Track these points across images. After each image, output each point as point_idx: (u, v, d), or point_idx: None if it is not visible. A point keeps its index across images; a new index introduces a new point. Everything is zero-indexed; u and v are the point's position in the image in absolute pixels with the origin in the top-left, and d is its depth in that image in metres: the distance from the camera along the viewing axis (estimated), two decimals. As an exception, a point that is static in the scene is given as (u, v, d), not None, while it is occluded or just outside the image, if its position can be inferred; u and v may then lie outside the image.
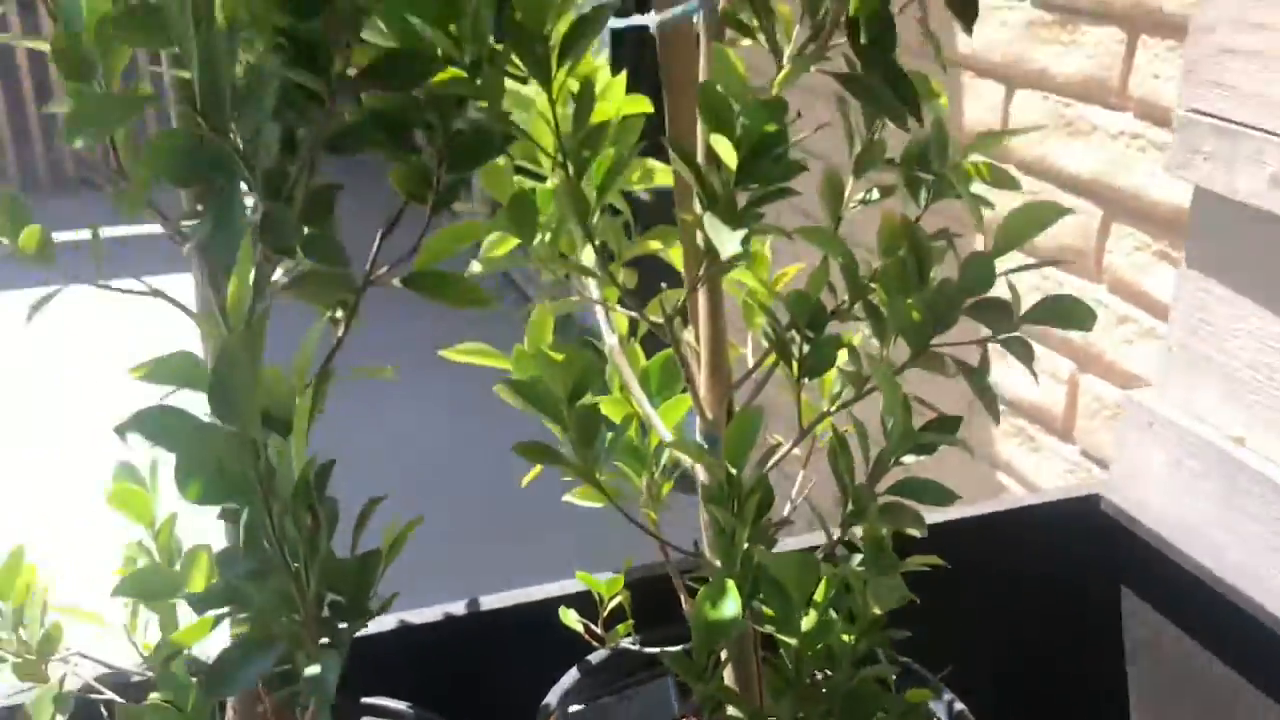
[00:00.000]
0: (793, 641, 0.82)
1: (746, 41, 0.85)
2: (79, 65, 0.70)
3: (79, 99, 0.63)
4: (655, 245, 1.01)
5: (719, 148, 0.73)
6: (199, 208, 0.73)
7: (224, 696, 0.76)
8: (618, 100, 0.96)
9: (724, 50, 0.74)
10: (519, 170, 0.97)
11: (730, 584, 0.82)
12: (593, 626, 1.04)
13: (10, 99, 6.04)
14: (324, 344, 0.82)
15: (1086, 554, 1.29)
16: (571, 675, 1.03)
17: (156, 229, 0.76)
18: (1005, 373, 1.92)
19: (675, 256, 0.99)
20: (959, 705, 1.04)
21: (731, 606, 0.80)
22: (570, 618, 1.04)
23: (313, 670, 0.70)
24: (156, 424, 0.65)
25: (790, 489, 1.02)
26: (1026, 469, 1.98)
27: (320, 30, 0.68)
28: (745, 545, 0.84)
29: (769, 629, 0.83)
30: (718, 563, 0.85)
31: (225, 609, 0.67)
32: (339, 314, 0.85)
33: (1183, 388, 1.29)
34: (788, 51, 0.78)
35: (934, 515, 1.27)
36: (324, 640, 0.75)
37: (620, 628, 1.03)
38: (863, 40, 0.68)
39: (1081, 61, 1.74)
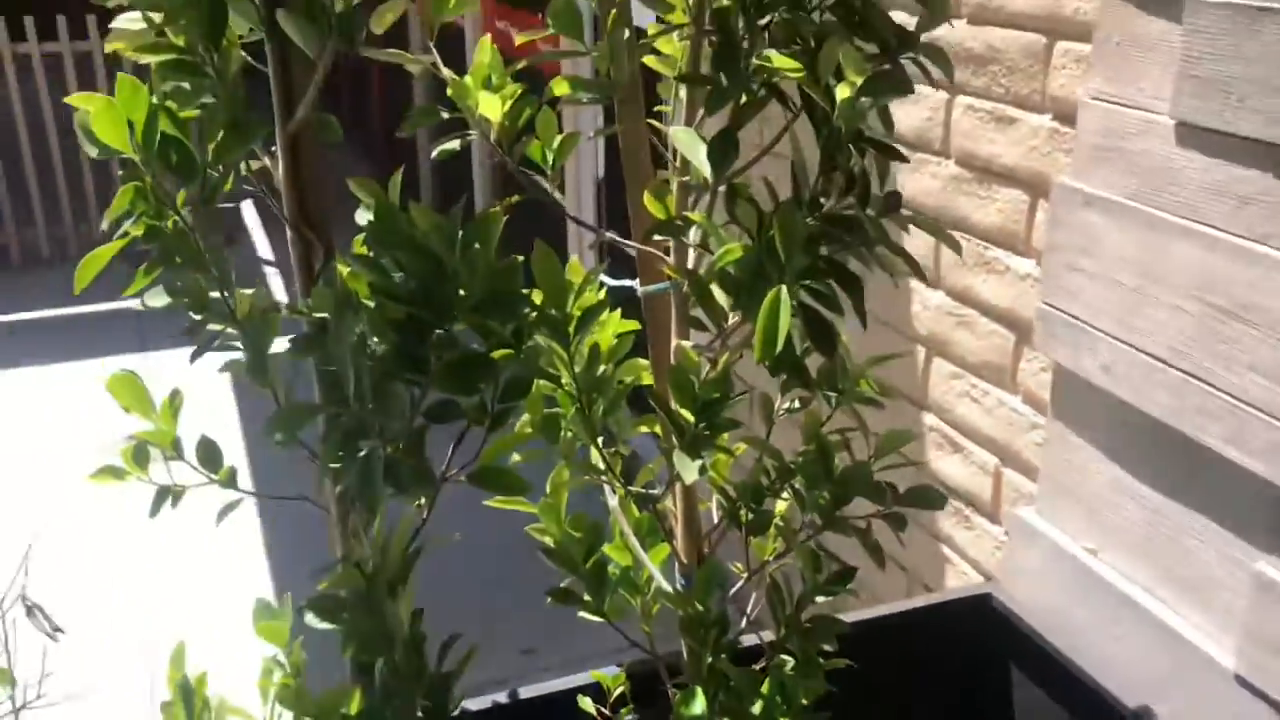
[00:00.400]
0: None
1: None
2: (260, 365, 1.09)
3: (279, 411, 1.02)
4: (644, 429, 1.39)
5: (682, 411, 1.11)
6: (340, 453, 1.11)
7: None
8: (615, 325, 1.35)
9: (683, 347, 1.13)
10: (543, 375, 1.35)
11: (699, 692, 1.20)
12: (604, 710, 1.42)
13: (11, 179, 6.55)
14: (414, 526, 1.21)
15: (981, 642, 1.66)
16: (588, 747, 1.42)
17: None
18: (944, 462, 2.29)
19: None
20: (871, 764, 1.42)
21: (699, 707, 1.18)
22: (587, 704, 1.42)
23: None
24: (325, 606, 1.03)
25: (743, 607, 1.41)
26: (964, 543, 2.36)
27: (425, 343, 1.07)
28: (710, 661, 1.22)
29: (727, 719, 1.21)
30: (690, 673, 1.23)
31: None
32: (422, 502, 1.24)
33: (1053, 509, 1.67)
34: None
35: (849, 615, 1.65)
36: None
37: (624, 711, 1.41)
38: (767, 367, 1.06)
39: (994, 215, 2.13)
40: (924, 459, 2.36)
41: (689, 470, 1.11)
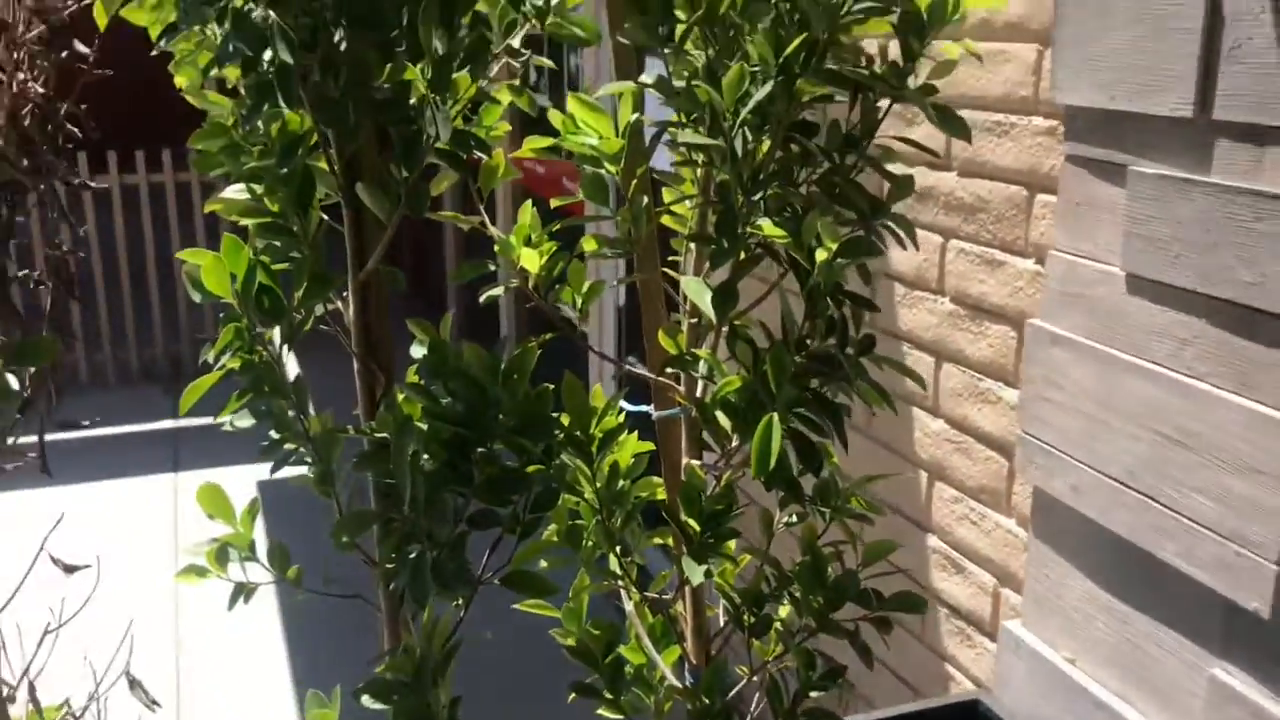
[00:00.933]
0: None
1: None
2: (325, 475, 1.27)
3: (329, 494, 1.20)
4: (658, 541, 1.56)
5: (690, 521, 1.28)
6: (393, 556, 1.28)
7: None
8: (632, 446, 1.52)
9: (692, 465, 1.30)
10: (571, 490, 1.53)
11: None
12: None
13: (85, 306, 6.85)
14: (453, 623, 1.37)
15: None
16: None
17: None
18: (946, 583, 2.43)
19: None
20: None
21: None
22: None
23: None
24: (381, 690, 1.19)
25: (747, 706, 1.55)
26: (967, 661, 2.47)
27: (469, 459, 1.25)
28: (713, 739, 1.37)
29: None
30: (697, 760, 1.38)
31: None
32: (460, 602, 1.40)
33: (1036, 621, 1.81)
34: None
35: (846, 718, 1.79)
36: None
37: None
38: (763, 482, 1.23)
39: (986, 349, 2.30)
40: (927, 579, 2.49)
41: (695, 573, 1.28)
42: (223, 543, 1.26)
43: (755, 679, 1.49)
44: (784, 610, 1.47)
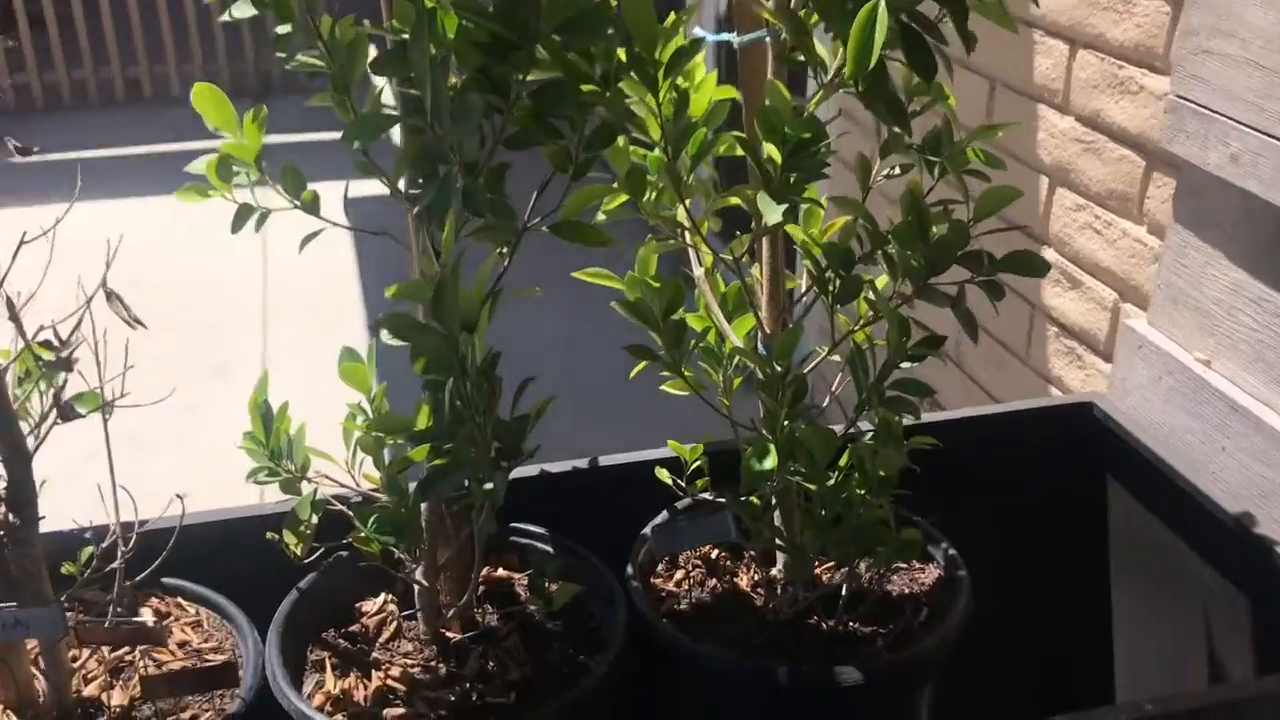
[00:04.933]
0: (816, 488, 1.18)
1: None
2: (344, 86, 1.07)
3: (350, 116, 1.01)
4: (734, 200, 1.35)
5: (769, 150, 1.07)
6: (419, 181, 1.10)
7: (433, 498, 1.14)
8: (709, 92, 1.30)
9: (775, 83, 1.07)
10: (634, 141, 1.32)
11: (771, 447, 1.18)
12: (679, 482, 1.41)
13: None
14: (495, 273, 1.20)
15: (1080, 450, 1.60)
16: (662, 515, 1.41)
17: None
18: (1059, 299, 2.21)
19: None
20: (952, 551, 1.39)
21: (769, 462, 1.16)
22: (663, 474, 1.41)
23: (488, 486, 1.09)
24: (398, 325, 1.03)
25: (830, 386, 1.37)
26: (1075, 383, 2.28)
27: (505, 69, 1.04)
28: (785, 422, 1.20)
29: (799, 481, 1.19)
30: (766, 435, 1.21)
31: (433, 443, 1.05)
32: (504, 250, 1.22)
33: (1166, 318, 1.58)
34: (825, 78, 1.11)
35: (944, 415, 1.61)
36: (494, 471, 1.13)
37: (699, 482, 1.40)
38: (860, 88, 1.00)
39: (1131, 30, 1.99)
40: (1037, 296, 2.28)
41: (773, 212, 1.07)
42: (224, 152, 1.08)
43: (836, 357, 1.31)
44: (881, 281, 1.27)
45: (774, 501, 1.31)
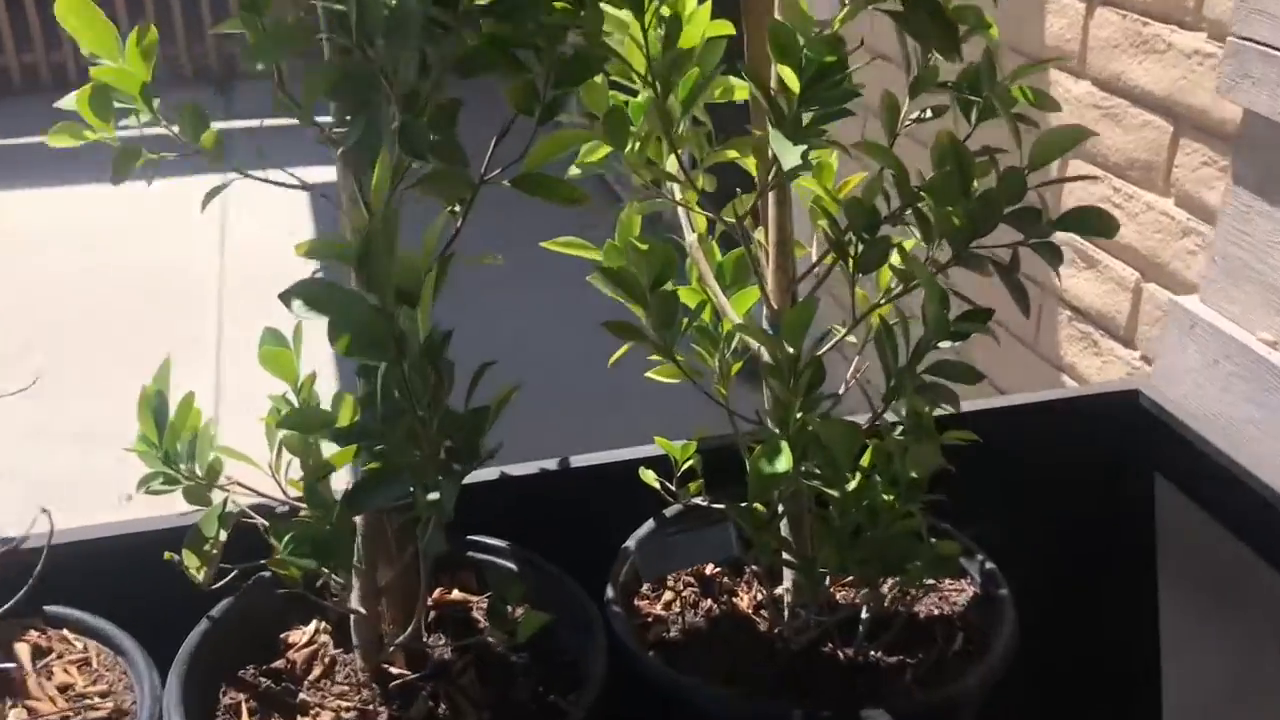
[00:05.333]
0: (836, 493, 0.97)
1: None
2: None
3: (256, 33, 0.78)
4: (733, 154, 1.14)
5: (785, 75, 0.85)
6: (347, 118, 0.88)
7: (361, 512, 0.92)
8: (703, 24, 1.08)
9: (791, -7, 0.86)
10: (614, 86, 1.10)
11: (784, 445, 0.96)
12: (668, 485, 1.20)
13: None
14: (445, 235, 0.98)
15: (1125, 443, 1.40)
16: (648, 525, 1.20)
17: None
18: (1073, 281, 2.01)
19: (750, 164, 1.12)
20: (990, 565, 1.18)
21: (783, 463, 0.95)
22: (649, 476, 1.20)
23: (433, 496, 0.87)
24: (313, 293, 0.81)
25: (847, 372, 1.16)
26: (1089, 371, 2.08)
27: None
28: (799, 414, 0.98)
29: (816, 485, 0.98)
30: (776, 429, 0.99)
31: (363, 443, 0.83)
32: (458, 208, 1.00)
33: (1223, 294, 1.38)
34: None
35: (979, 403, 1.40)
36: (441, 476, 0.91)
37: (692, 485, 1.18)
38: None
39: (1160, -21, 1.80)
40: (1046, 277, 2.08)
41: (789, 154, 0.86)
42: (100, 81, 0.86)
43: (853, 338, 1.10)
44: (908, 244, 1.05)
45: (781, 509, 1.10)
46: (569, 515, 1.21)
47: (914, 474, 1.03)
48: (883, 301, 1.04)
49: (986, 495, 1.16)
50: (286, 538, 0.92)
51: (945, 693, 1.03)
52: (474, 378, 0.98)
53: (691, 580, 1.21)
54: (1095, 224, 0.96)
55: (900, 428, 1.02)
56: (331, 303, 0.80)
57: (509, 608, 1.07)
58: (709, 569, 1.22)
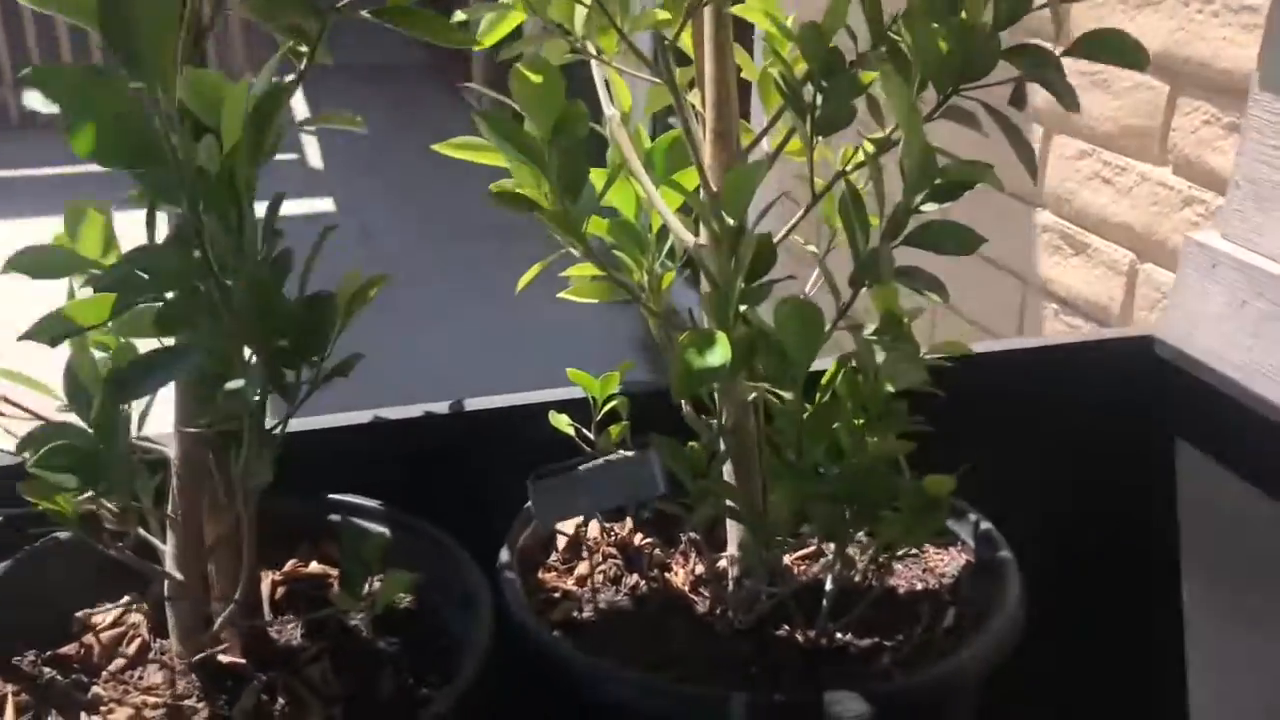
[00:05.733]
0: (789, 398, 0.73)
1: None
2: None
3: None
4: (663, 14, 0.91)
5: None
6: None
7: (130, 398, 0.68)
8: None
9: None
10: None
11: (720, 334, 0.73)
12: (585, 433, 0.96)
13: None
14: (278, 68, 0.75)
15: (1137, 396, 1.17)
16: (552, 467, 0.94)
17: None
18: (1059, 269, 1.81)
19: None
20: (985, 525, 0.94)
21: (718, 355, 0.71)
22: (561, 421, 0.96)
23: (234, 384, 0.62)
24: (46, 75, 0.57)
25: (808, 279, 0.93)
26: (1080, 368, 1.86)
27: None
28: (741, 306, 0.75)
29: (764, 387, 0.74)
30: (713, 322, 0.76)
31: (128, 295, 0.59)
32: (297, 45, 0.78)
33: (1249, 224, 1.17)
34: None
35: (978, 345, 1.17)
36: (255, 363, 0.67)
37: (613, 429, 0.94)
38: None
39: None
40: (1030, 269, 1.88)
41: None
42: None
43: (815, 248, 0.87)
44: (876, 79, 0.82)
45: (723, 446, 0.86)
46: (461, 471, 0.97)
47: (890, 388, 0.79)
48: (849, 171, 0.80)
49: (972, 454, 0.92)
50: (40, 449, 0.67)
51: (934, 673, 0.78)
52: (314, 248, 0.74)
53: (614, 552, 0.96)
54: (1121, 50, 0.74)
55: (872, 327, 0.79)
56: (69, 84, 0.55)
57: (369, 571, 0.81)
58: (636, 538, 0.98)
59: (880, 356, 0.79)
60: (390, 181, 4.85)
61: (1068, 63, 0.78)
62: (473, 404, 0.99)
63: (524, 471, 0.92)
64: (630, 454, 0.84)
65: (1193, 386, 1.14)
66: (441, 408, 0.99)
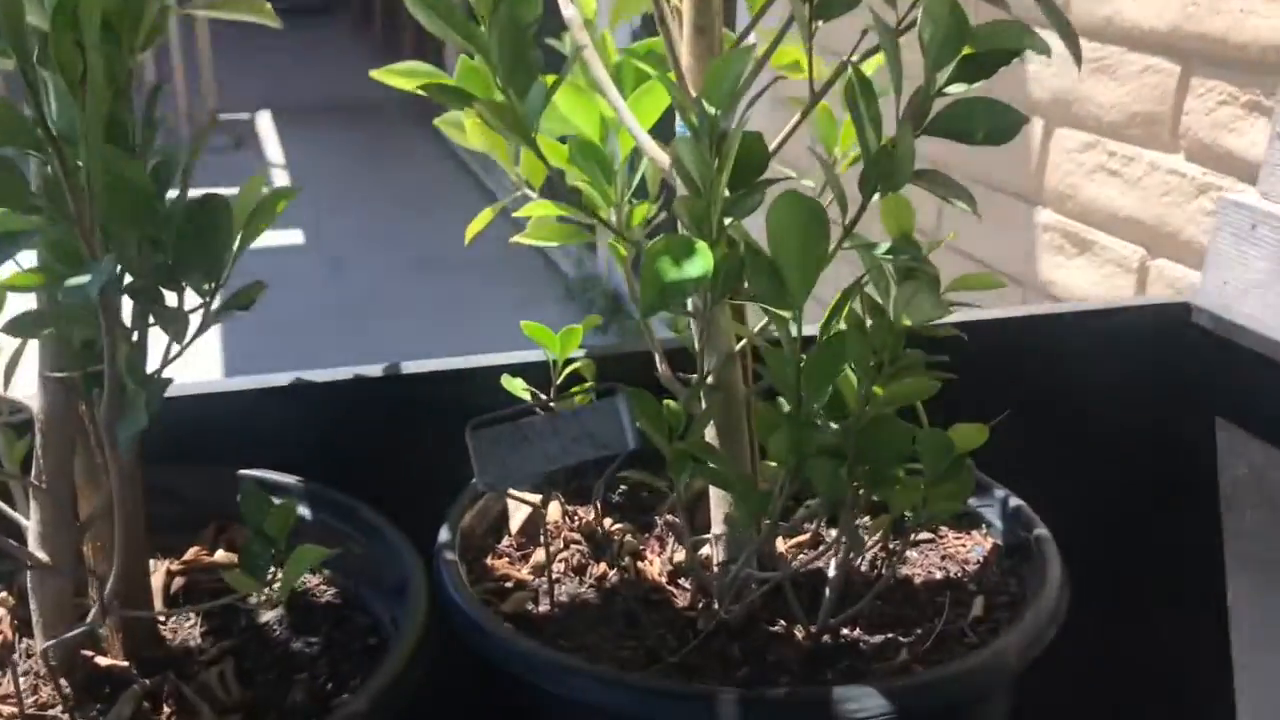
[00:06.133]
0: (788, 316, 0.59)
1: None
2: None
3: None
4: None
5: None
6: None
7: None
8: None
9: None
10: None
11: (699, 242, 0.59)
12: (542, 396, 0.81)
13: None
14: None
15: (1173, 370, 1.04)
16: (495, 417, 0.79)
17: None
18: (1061, 270, 1.69)
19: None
20: (1015, 501, 0.80)
21: (698, 265, 0.57)
22: (515, 385, 0.81)
23: (76, 280, 0.48)
24: None
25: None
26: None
27: None
28: (723, 216, 0.61)
29: (752, 332, 0.60)
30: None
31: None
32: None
33: (1295, 180, 1.05)
34: None
35: (999, 311, 1.04)
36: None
37: (576, 391, 0.79)
38: None
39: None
40: (1032, 272, 1.76)
41: None
42: None
43: (811, 182, 0.74)
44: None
45: (704, 401, 0.71)
46: (403, 446, 0.82)
47: (907, 321, 0.66)
48: (855, 60, 0.67)
49: (1012, 424, 0.78)
50: None
51: (964, 665, 0.64)
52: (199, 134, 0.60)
53: (577, 538, 0.82)
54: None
55: (884, 246, 0.65)
56: None
57: (273, 552, 0.66)
58: (605, 523, 0.83)
59: (894, 290, 0.66)
60: (363, 216, 4.73)
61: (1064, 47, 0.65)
62: (412, 367, 0.85)
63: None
64: (594, 404, 0.70)
65: (1232, 357, 1.01)
66: (375, 370, 0.84)
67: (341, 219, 4.52)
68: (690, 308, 0.71)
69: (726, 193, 0.62)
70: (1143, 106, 1.58)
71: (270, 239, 0.81)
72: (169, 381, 0.63)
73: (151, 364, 0.62)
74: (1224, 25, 1.42)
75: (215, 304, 0.63)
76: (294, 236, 4.35)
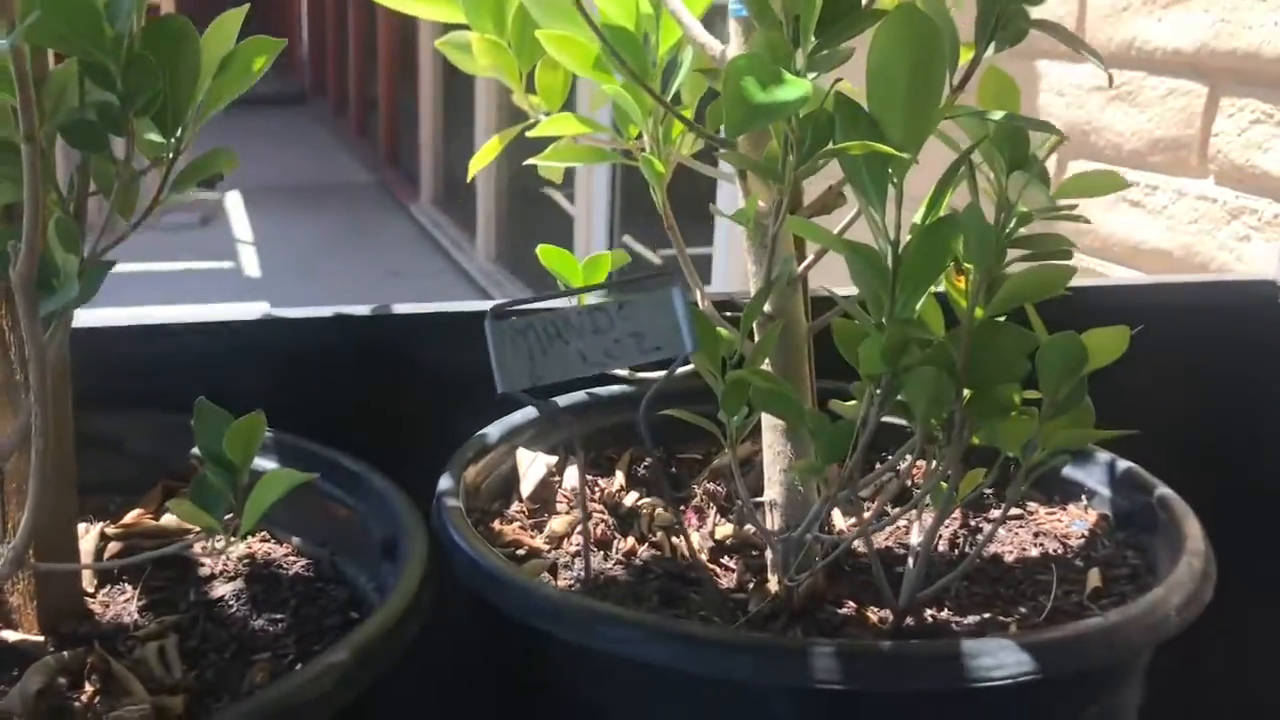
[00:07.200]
0: (891, 151, 0.46)
1: None
2: None
3: None
4: None
5: None
6: None
7: None
8: None
9: None
10: None
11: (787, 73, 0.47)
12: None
13: None
14: None
15: (1261, 351, 0.93)
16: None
17: None
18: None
19: None
20: (1124, 464, 0.67)
21: (792, 90, 0.45)
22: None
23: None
24: None
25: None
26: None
27: None
28: (821, 48, 0.49)
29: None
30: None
31: None
32: None
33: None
34: None
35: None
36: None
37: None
38: None
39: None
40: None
41: None
42: None
43: None
44: None
45: (768, 309, 0.59)
46: (390, 396, 0.69)
47: (1022, 229, 0.54)
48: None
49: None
50: None
51: (1129, 612, 0.50)
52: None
53: (602, 508, 0.68)
54: None
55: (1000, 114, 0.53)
56: None
57: (228, 493, 0.52)
58: (629, 497, 0.69)
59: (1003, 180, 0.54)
60: (328, 289, 4.60)
61: (1086, 79, 0.56)
62: (404, 309, 0.72)
63: (469, 399, 0.64)
64: (644, 295, 0.56)
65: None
66: (363, 310, 0.71)
67: (310, 289, 4.40)
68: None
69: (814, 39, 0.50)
70: (1167, 131, 1.50)
71: (233, 311, 0.69)
72: (111, 264, 0.51)
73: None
74: (1257, 40, 1.35)
75: (178, 166, 0.51)
76: (259, 310, 4.21)
